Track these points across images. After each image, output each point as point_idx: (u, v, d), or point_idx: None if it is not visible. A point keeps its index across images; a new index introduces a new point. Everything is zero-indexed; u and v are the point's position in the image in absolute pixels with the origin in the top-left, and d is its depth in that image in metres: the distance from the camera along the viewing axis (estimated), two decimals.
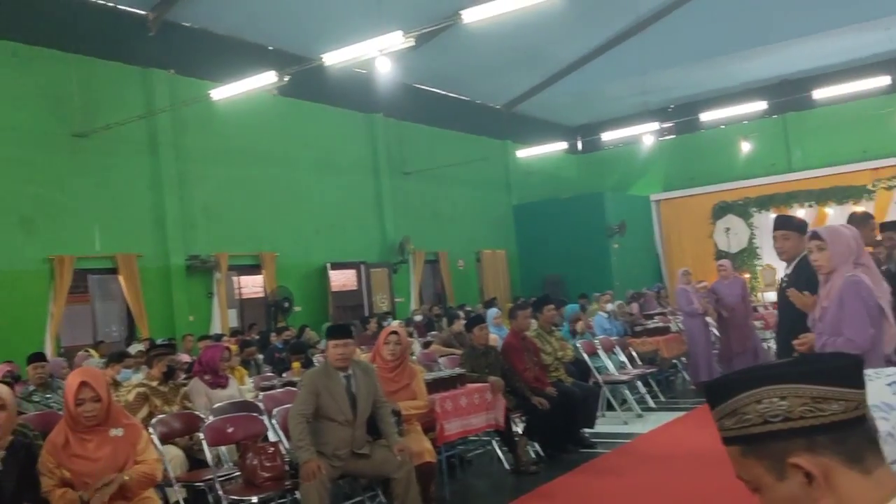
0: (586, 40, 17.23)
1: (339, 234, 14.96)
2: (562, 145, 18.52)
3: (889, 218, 14.81)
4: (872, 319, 3.48)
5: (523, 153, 18.66)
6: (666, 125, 19.45)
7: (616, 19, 16.50)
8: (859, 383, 1.09)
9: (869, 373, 1.55)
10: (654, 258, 20.20)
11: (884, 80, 15.41)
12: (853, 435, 1.07)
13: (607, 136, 18.84)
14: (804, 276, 4.09)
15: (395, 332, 5.65)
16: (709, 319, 9.48)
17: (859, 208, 17.39)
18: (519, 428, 6.68)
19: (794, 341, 3.86)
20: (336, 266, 14.54)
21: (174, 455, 5.15)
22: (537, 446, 6.76)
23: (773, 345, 8.52)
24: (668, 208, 20.22)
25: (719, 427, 1.13)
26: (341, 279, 14.73)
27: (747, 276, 17.92)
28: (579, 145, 21.51)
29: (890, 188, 17.13)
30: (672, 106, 20.20)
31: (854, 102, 17.21)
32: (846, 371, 1.09)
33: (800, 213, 18.05)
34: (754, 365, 1.17)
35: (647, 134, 18.38)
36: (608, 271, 17.87)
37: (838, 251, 3.67)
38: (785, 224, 4.52)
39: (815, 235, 3.77)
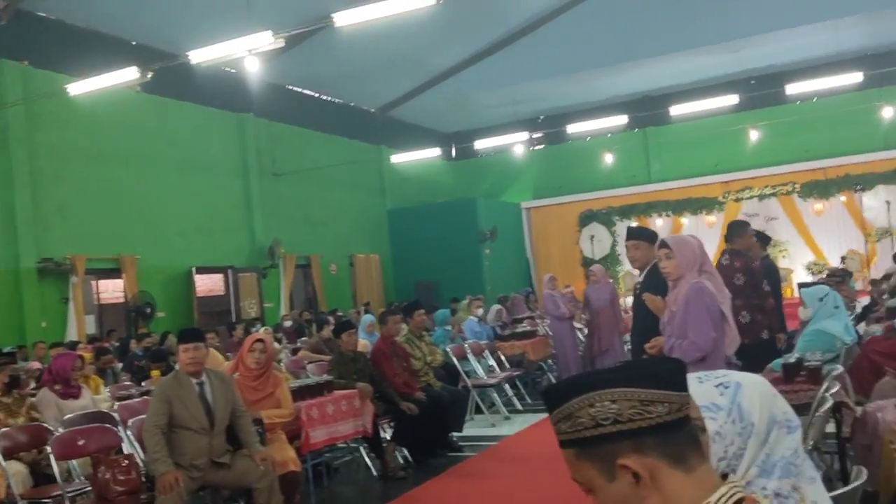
0: (460, 49, 17.50)
1: (205, 236, 14.49)
2: (436, 151, 18.74)
3: None
4: (714, 323, 3.73)
5: (398, 158, 18.74)
6: (536, 135, 20.07)
7: (488, 30, 16.86)
8: (682, 386, 1.16)
9: (700, 375, 1.65)
10: (525, 263, 20.76)
11: (732, 100, 16.51)
12: (677, 436, 1.12)
13: (480, 144, 19.22)
14: (654, 283, 4.32)
15: (260, 340, 5.51)
16: (576, 323, 9.84)
17: (712, 218, 18.60)
18: (387, 434, 6.70)
19: (646, 344, 4.07)
20: (202, 270, 14.07)
21: (16, 471, 4.83)
22: (406, 451, 6.79)
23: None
24: (538, 215, 20.86)
25: (556, 431, 1.17)
26: (208, 284, 14.27)
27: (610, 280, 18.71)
28: (453, 152, 21.82)
29: (738, 200, 18.35)
30: (542, 117, 20.85)
31: (707, 119, 18.34)
32: (670, 375, 1.15)
33: (658, 222, 19.08)
34: (588, 371, 1.23)
35: (518, 143, 18.89)
36: (480, 276, 18.19)
37: (684, 259, 3.90)
38: (636, 234, 4.76)
39: (664, 244, 4.00)
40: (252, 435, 4.72)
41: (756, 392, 1.56)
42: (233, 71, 14.50)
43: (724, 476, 1.20)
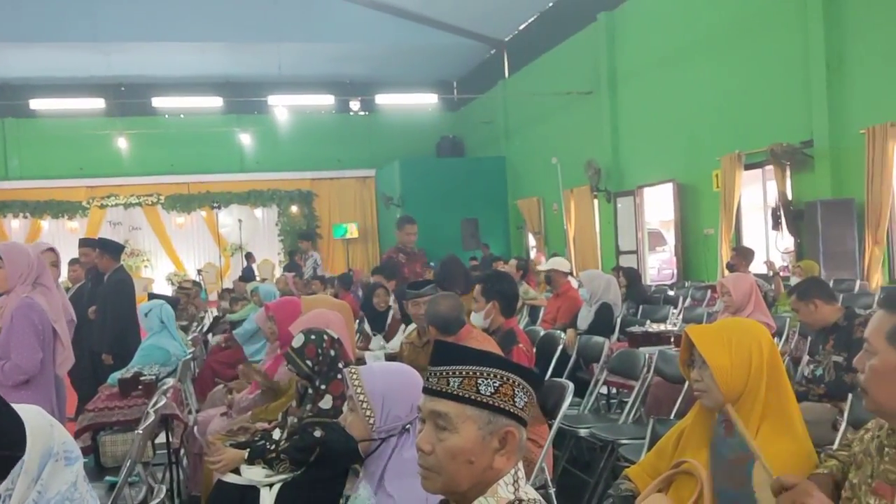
0: None
1: None
2: None
3: (102, 235, 15.50)
4: (43, 343, 3.47)
5: None
6: None
7: None
8: None
9: None
10: None
11: (100, 103, 16.09)
12: None
13: None
14: None
15: None
16: None
17: (74, 224, 17.79)
18: None
19: None
20: None
21: None
22: None
23: None
24: None
25: None
26: None
27: None
28: None
29: (103, 206, 17.96)
30: None
31: (75, 120, 17.52)
32: None
33: (14, 223, 17.47)
34: None
35: None
36: None
37: (15, 270, 3.57)
38: None
39: None
40: None
41: (35, 425, 1.47)
42: None
43: None
